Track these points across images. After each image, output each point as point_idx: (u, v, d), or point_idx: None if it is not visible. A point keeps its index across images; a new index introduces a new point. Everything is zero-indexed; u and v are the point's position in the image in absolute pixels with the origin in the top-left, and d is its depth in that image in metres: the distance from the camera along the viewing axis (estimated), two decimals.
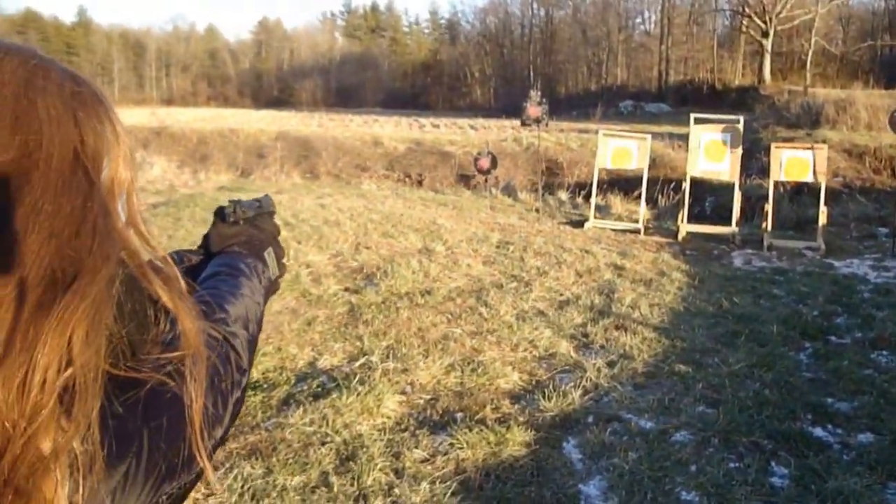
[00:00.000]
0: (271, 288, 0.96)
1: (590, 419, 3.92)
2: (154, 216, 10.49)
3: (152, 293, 0.62)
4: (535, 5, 58.57)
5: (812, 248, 8.72)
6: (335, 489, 3.15)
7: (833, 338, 5.38)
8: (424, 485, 3.19)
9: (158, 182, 16.04)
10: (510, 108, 30.62)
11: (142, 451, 0.58)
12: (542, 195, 12.75)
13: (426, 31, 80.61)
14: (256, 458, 3.38)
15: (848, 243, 9.29)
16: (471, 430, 3.65)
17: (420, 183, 19.15)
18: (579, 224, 10.31)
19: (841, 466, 3.41)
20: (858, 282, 7.12)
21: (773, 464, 3.47)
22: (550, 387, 4.25)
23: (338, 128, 30.17)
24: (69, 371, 0.52)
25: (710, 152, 9.61)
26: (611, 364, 4.71)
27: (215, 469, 0.66)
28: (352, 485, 3.19)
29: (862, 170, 15.51)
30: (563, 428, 3.83)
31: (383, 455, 3.45)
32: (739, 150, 9.62)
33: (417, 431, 3.73)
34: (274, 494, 3.10)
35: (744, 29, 43.20)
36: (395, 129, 29.46)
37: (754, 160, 14.79)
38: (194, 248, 1.00)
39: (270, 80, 74.74)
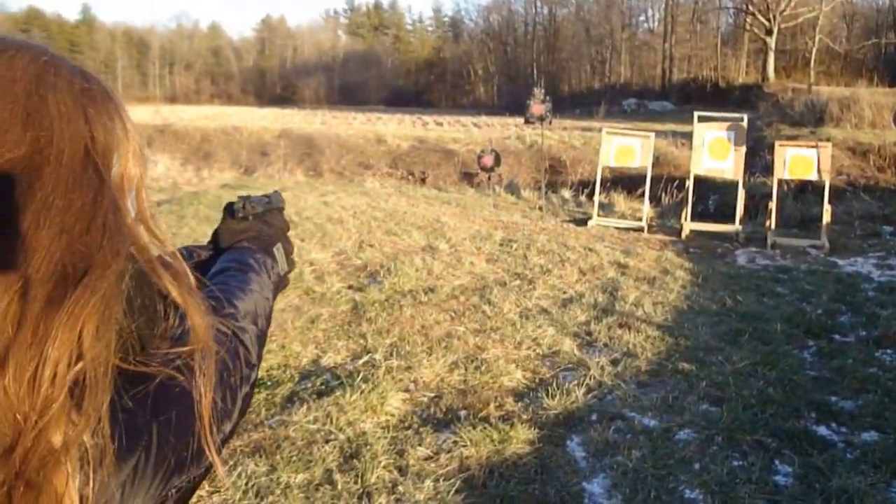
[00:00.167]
0: (280, 283, 0.97)
1: (593, 417, 3.92)
2: (158, 214, 10.49)
3: (162, 288, 0.62)
4: (538, 3, 58.51)
5: (816, 246, 8.70)
6: (339, 487, 3.15)
7: (837, 336, 5.38)
8: (428, 482, 3.19)
9: (162, 180, 16.06)
10: (513, 105, 30.59)
11: (151, 444, 0.58)
12: (546, 193, 12.74)
13: (429, 28, 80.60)
14: (260, 456, 3.39)
15: (852, 241, 9.27)
16: (474, 428, 3.66)
17: (423, 181, 19.14)
18: (583, 222, 10.31)
19: (845, 465, 3.41)
20: (862, 280, 7.11)
21: (776, 462, 3.47)
22: (554, 385, 4.25)
23: (341, 126, 30.16)
24: (80, 365, 0.52)
25: (713, 150, 9.60)
26: (614, 362, 4.71)
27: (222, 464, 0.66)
28: (355, 482, 3.20)
29: (866, 168, 15.45)
30: (566, 426, 3.83)
31: (387, 453, 3.45)
32: (743, 148, 9.60)
33: (421, 429, 3.73)
34: (278, 492, 3.10)
35: (747, 27, 43.08)
36: (398, 127, 29.45)
37: (758, 158, 14.75)
38: (201, 244, 1.00)
39: (274, 78, 74.82)
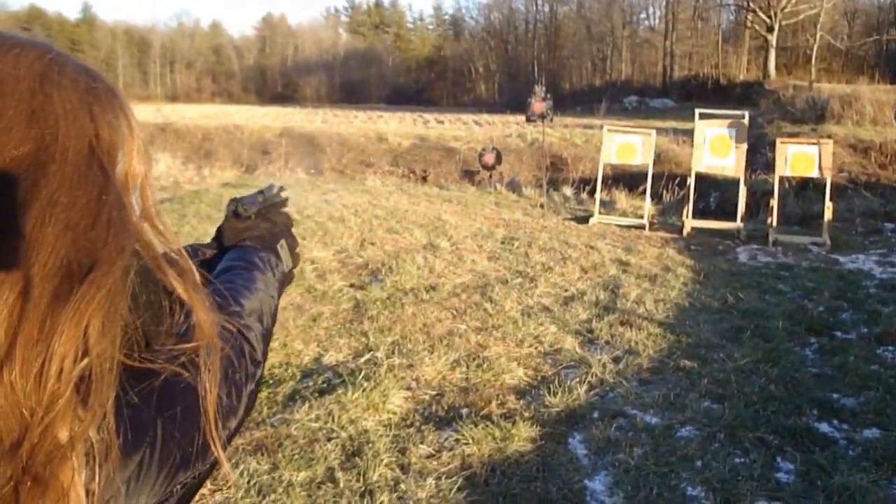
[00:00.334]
0: (285, 280, 0.97)
1: (595, 415, 3.92)
2: (163, 211, 10.49)
3: (167, 285, 0.63)
4: (539, 1, 58.50)
5: (817, 243, 8.70)
6: (341, 485, 3.16)
7: (839, 333, 5.37)
8: (430, 480, 3.20)
9: (163, 178, 16.04)
10: (514, 103, 30.57)
11: (156, 440, 0.59)
12: (547, 191, 12.74)
13: (430, 26, 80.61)
14: (262, 454, 3.39)
15: (853, 238, 9.27)
16: (476, 426, 3.66)
17: (424, 179, 19.14)
18: (584, 220, 10.30)
19: (847, 462, 3.41)
20: (864, 277, 7.11)
21: (778, 459, 3.47)
22: (556, 382, 4.25)
23: (342, 124, 30.16)
24: (85, 361, 0.53)
25: (715, 148, 9.59)
26: (616, 360, 4.71)
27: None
28: (357, 480, 3.20)
29: (867, 165, 15.45)
30: (568, 423, 3.83)
31: (389, 451, 3.45)
32: (744, 146, 9.59)
33: (423, 427, 3.73)
34: (280, 490, 3.11)
35: (748, 24, 43.05)
36: (399, 125, 29.45)
37: (759, 155, 14.75)
38: (204, 242, 1.01)
39: (275, 77, 74.84)
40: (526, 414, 3.88)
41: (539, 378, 4.44)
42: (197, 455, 0.63)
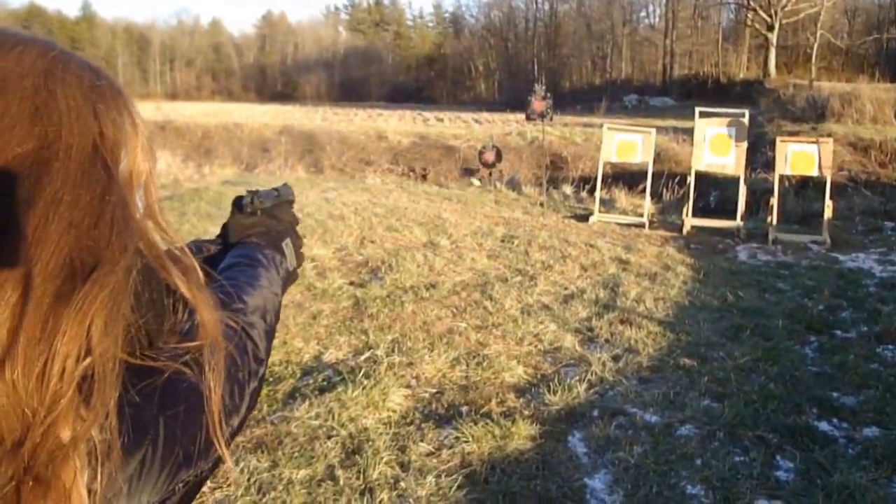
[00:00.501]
0: (289, 278, 0.97)
1: (595, 413, 3.92)
2: (166, 209, 10.49)
3: (170, 283, 0.63)
4: None
5: (817, 241, 8.70)
6: (341, 482, 3.16)
7: (838, 332, 5.38)
8: (430, 478, 3.20)
9: (163, 176, 16.03)
10: (514, 101, 30.57)
11: (158, 439, 0.59)
12: (547, 189, 12.73)
13: (430, 24, 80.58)
14: (262, 452, 3.39)
15: (853, 237, 9.27)
16: (476, 424, 3.66)
17: (424, 177, 19.14)
18: (584, 218, 10.30)
19: (846, 460, 3.41)
20: (864, 276, 7.11)
21: (778, 458, 3.47)
22: (556, 380, 4.26)
23: (342, 122, 30.16)
24: (88, 360, 0.52)
25: (715, 146, 9.59)
26: (616, 358, 4.71)
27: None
28: (357, 478, 3.20)
29: (867, 163, 15.45)
30: (568, 422, 3.83)
31: (389, 448, 3.45)
32: (744, 144, 9.60)
33: (423, 425, 3.73)
34: (280, 488, 3.11)
35: (749, 22, 43.04)
36: (399, 123, 29.45)
37: (759, 154, 14.76)
38: (210, 239, 1.00)
39: (274, 75, 74.82)
40: (526, 412, 3.88)
41: (539, 376, 4.44)
42: (199, 453, 0.62)
